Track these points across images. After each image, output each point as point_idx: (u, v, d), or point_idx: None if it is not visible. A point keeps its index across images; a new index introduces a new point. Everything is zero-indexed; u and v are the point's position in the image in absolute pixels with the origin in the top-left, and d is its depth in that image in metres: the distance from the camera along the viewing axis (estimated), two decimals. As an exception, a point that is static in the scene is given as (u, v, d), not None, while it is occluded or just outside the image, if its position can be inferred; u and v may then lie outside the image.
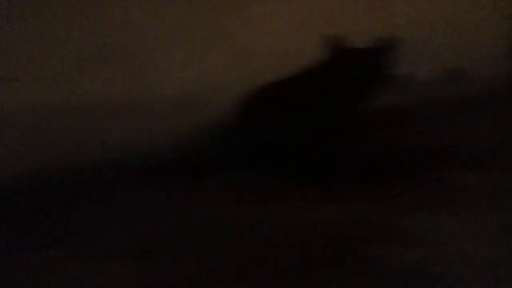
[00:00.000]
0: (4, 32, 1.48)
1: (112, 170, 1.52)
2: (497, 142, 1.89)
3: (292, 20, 1.99)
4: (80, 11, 1.57)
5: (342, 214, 1.21)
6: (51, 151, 1.54)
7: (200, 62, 1.73)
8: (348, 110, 1.54)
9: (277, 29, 1.94)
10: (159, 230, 1.18)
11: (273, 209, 1.27)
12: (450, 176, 1.46)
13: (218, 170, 1.55)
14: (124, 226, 1.21)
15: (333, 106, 1.53)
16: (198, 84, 1.72)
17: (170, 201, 1.35)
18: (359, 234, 1.11)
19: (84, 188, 1.45)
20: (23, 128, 1.52)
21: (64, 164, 1.53)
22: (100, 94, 1.59)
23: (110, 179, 1.49)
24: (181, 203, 1.34)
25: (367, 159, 1.55)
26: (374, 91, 1.51)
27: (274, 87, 1.61)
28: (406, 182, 1.42)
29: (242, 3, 1.82)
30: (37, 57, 1.55)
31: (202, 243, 1.09)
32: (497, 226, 1.13)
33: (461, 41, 2.91)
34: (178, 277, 0.95)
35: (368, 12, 2.30)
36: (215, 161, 1.62)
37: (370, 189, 1.37)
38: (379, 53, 1.51)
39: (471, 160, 1.64)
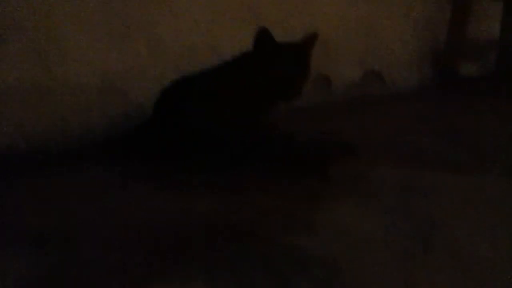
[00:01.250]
0: None
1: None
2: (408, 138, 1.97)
3: (216, 12, 1.98)
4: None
5: (252, 204, 1.21)
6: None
7: (120, 49, 1.68)
8: (271, 105, 1.53)
9: (200, 20, 1.93)
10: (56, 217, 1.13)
11: (181, 198, 1.25)
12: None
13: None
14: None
15: (256, 100, 1.50)
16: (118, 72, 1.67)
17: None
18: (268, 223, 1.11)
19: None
20: None
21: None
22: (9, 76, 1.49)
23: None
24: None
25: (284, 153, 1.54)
26: (298, 86, 1.49)
27: (196, 79, 1.57)
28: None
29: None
30: None
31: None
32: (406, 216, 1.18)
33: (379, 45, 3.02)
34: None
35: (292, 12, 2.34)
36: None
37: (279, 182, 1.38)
38: (303, 49, 1.52)
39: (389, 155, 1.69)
